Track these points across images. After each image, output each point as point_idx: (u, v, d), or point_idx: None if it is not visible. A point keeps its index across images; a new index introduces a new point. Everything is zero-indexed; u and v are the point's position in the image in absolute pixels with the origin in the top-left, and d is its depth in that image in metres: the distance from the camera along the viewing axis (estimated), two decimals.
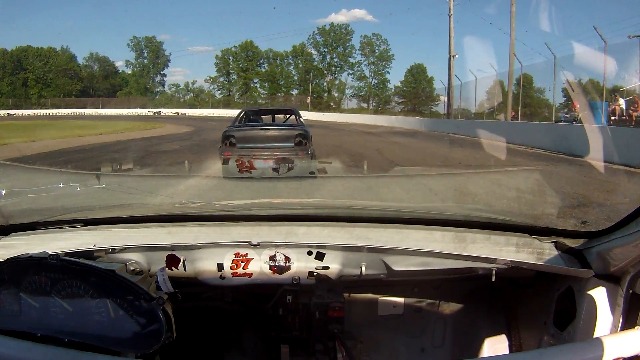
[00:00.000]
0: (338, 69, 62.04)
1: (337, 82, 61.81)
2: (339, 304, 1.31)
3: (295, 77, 62.23)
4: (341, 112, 47.83)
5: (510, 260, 1.24)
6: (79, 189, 1.76)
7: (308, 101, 50.25)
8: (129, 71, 62.50)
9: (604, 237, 1.15)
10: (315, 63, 61.69)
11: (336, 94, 60.60)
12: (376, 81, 61.25)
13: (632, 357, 0.94)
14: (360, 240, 1.33)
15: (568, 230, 1.33)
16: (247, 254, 1.34)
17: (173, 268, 1.32)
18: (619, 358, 0.93)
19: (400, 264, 1.32)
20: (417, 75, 56.39)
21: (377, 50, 60.82)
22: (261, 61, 62.80)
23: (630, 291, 1.08)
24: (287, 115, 8.63)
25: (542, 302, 1.35)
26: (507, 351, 1.51)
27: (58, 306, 1.10)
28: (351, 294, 1.56)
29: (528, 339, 1.44)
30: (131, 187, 1.97)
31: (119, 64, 64.61)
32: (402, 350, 1.63)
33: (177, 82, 71.90)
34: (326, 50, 61.25)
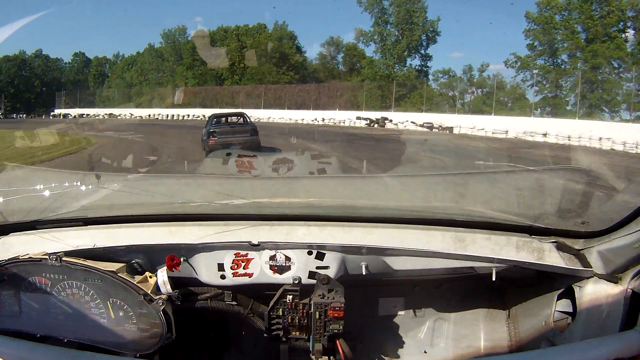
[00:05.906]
0: None
1: None
2: (339, 304, 1.31)
3: None
4: None
5: (510, 260, 1.24)
6: (82, 188, 1.76)
7: None
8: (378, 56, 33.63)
9: (604, 237, 1.15)
10: None
11: None
12: None
13: (632, 357, 0.94)
14: (360, 240, 1.33)
15: (568, 231, 1.33)
16: (247, 254, 1.34)
17: (173, 269, 1.32)
18: (619, 358, 0.93)
19: (400, 264, 1.32)
20: None
21: None
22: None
23: (630, 291, 1.08)
24: (240, 117, 13.09)
25: (542, 302, 1.35)
26: (507, 351, 1.51)
27: (58, 307, 1.10)
28: (351, 294, 1.56)
29: (528, 339, 1.44)
30: (131, 187, 1.97)
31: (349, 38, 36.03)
32: (402, 350, 1.63)
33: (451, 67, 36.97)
34: None
